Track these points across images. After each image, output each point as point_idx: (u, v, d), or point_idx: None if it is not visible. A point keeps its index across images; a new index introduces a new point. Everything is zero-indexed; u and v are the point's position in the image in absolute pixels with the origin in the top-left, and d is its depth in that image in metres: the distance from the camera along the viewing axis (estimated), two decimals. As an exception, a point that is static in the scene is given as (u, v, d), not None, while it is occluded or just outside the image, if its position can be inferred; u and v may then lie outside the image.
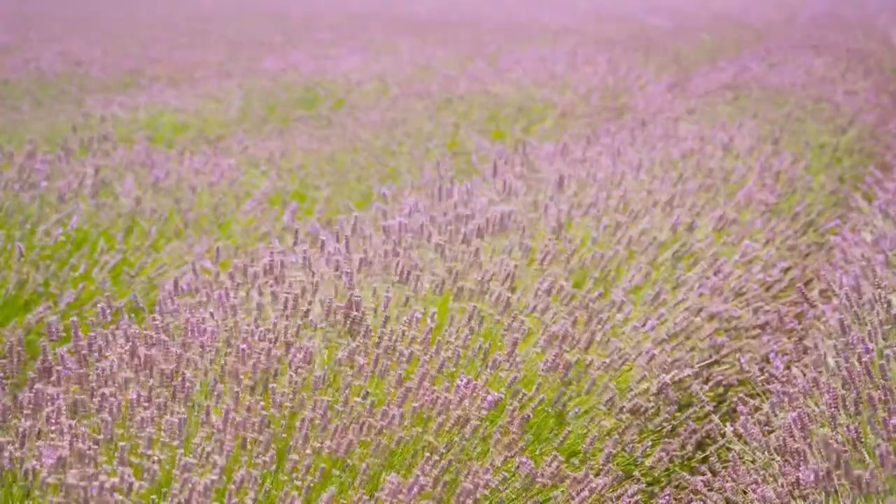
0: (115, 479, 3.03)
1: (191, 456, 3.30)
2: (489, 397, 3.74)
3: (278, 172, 8.24)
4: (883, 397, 3.70)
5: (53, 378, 3.57)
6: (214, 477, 3.11)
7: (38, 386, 3.39)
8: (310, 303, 4.09)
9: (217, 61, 15.61)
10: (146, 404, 3.46)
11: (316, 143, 9.32)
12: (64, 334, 5.42)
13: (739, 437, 4.28)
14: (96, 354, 3.72)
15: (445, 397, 3.67)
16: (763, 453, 4.01)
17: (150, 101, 11.40)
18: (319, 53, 16.55)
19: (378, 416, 3.56)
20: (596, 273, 4.99)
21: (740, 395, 4.92)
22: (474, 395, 3.72)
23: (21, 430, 3.26)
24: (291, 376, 3.65)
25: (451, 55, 16.28)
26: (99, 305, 4.09)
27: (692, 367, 4.83)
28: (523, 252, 4.93)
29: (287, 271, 4.40)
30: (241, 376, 3.63)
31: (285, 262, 4.43)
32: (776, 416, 4.14)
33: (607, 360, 4.35)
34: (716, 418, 4.51)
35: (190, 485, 3.08)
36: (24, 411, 3.36)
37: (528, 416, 3.79)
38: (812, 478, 3.49)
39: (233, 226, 6.93)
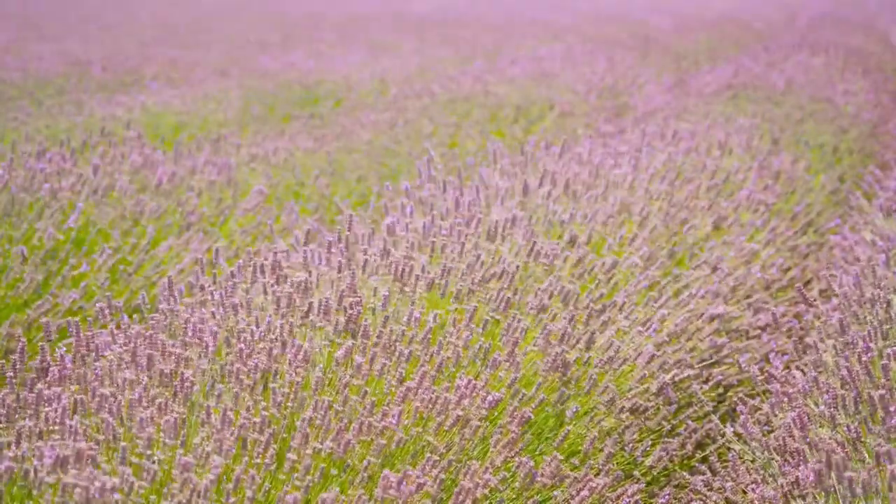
0: (116, 480, 3.03)
1: (190, 456, 3.29)
2: (489, 397, 3.74)
3: (277, 172, 8.24)
4: (883, 397, 3.69)
5: (51, 378, 3.56)
6: (213, 477, 3.11)
7: (38, 386, 3.39)
8: (310, 303, 4.08)
9: (216, 61, 15.61)
10: (145, 404, 3.46)
11: (315, 142, 9.31)
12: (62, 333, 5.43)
13: (739, 436, 4.28)
14: (94, 354, 3.72)
15: (445, 397, 3.67)
16: (762, 453, 4.00)
17: (149, 100, 11.39)
18: (319, 53, 16.55)
19: (378, 417, 3.56)
20: (601, 275, 4.98)
21: (740, 395, 4.91)
22: (474, 394, 3.72)
23: (20, 429, 3.27)
24: (291, 376, 3.65)
25: (451, 55, 16.27)
26: (97, 305, 4.09)
27: (692, 367, 4.83)
28: (526, 252, 4.92)
29: (287, 271, 4.40)
30: (242, 376, 3.62)
31: (285, 262, 4.43)
32: (776, 415, 4.13)
33: (605, 359, 4.34)
34: (715, 418, 4.51)
35: (190, 485, 3.08)
36: (26, 411, 3.36)
37: (529, 416, 3.79)
38: (811, 478, 3.49)
39: (232, 225, 6.93)
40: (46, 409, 3.34)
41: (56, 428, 3.30)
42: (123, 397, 3.46)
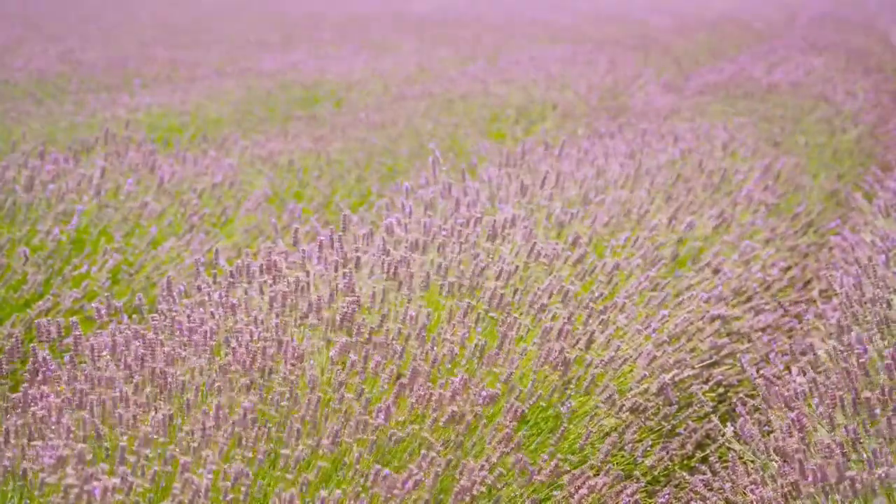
0: (116, 480, 3.04)
1: (184, 453, 3.30)
2: (484, 393, 3.75)
3: (278, 172, 8.24)
4: (881, 398, 3.70)
5: (42, 378, 3.57)
6: (210, 476, 3.11)
7: (25, 386, 3.39)
8: (308, 303, 4.08)
9: (217, 61, 15.61)
10: (140, 403, 3.46)
11: (315, 143, 9.32)
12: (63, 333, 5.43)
13: (739, 437, 4.28)
14: (92, 354, 3.72)
15: (440, 393, 3.67)
16: (762, 454, 4.01)
17: (150, 100, 11.40)
18: (319, 53, 16.56)
19: (375, 414, 3.56)
20: (601, 276, 4.98)
21: (740, 395, 4.91)
22: (467, 390, 3.72)
23: (11, 429, 3.27)
24: (286, 374, 3.66)
25: (451, 55, 16.28)
26: (95, 306, 4.09)
27: (692, 367, 4.83)
28: (526, 253, 4.92)
29: (286, 270, 4.40)
30: (239, 375, 3.63)
31: (284, 262, 4.43)
32: (776, 416, 4.13)
33: (605, 358, 4.34)
34: (715, 419, 4.52)
35: (192, 486, 3.08)
36: (17, 411, 3.36)
37: (523, 410, 3.79)
38: (810, 478, 3.49)
39: (233, 225, 6.93)
40: (34, 408, 3.34)
41: (45, 427, 3.30)
42: (118, 396, 3.47)
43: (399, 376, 3.82)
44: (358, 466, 3.46)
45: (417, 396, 3.67)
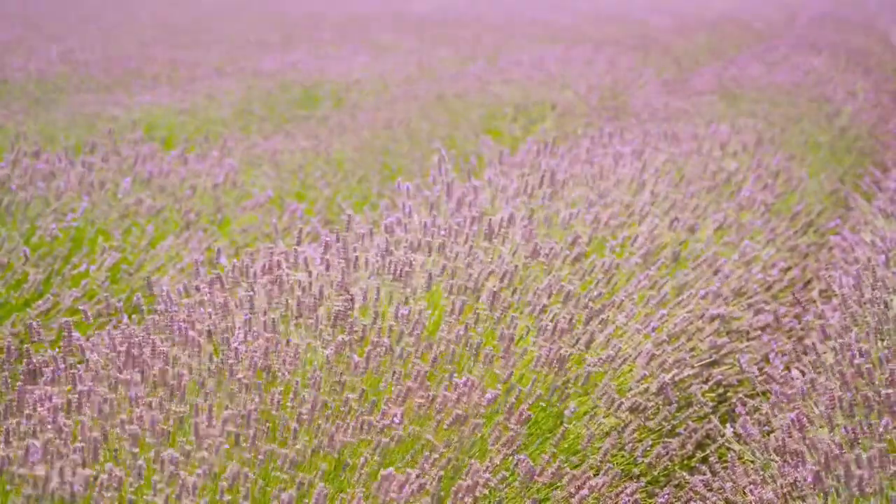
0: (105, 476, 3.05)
1: (180, 453, 3.30)
2: (488, 395, 3.74)
3: (278, 172, 8.24)
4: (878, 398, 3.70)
5: (45, 379, 3.57)
6: (201, 473, 3.12)
7: (25, 387, 3.39)
8: (306, 302, 4.09)
9: (217, 61, 15.61)
10: (140, 403, 3.46)
11: (316, 142, 9.32)
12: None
13: (739, 437, 4.28)
14: (93, 354, 3.72)
15: (444, 395, 3.67)
16: (762, 454, 4.01)
17: (150, 100, 11.40)
18: (319, 53, 16.56)
19: (377, 415, 3.57)
20: (600, 275, 4.98)
21: (740, 395, 4.91)
22: (471, 391, 3.72)
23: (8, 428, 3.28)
24: (283, 375, 3.66)
25: (451, 55, 16.28)
26: (83, 308, 4.10)
27: (692, 367, 4.83)
28: (526, 252, 4.92)
29: (287, 271, 4.40)
30: (238, 374, 3.63)
31: (285, 263, 4.43)
32: (775, 416, 4.13)
33: (605, 358, 4.34)
34: (715, 419, 4.52)
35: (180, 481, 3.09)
36: (13, 411, 3.37)
37: (529, 415, 3.79)
38: (810, 478, 3.49)
39: (232, 225, 6.93)
40: (38, 409, 3.35)
41: (43, 426, 3.31)
42: (114, 396, 3.47)
43: (402, 376, 3.82)
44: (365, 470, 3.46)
45: (417, 397, 3.67)
